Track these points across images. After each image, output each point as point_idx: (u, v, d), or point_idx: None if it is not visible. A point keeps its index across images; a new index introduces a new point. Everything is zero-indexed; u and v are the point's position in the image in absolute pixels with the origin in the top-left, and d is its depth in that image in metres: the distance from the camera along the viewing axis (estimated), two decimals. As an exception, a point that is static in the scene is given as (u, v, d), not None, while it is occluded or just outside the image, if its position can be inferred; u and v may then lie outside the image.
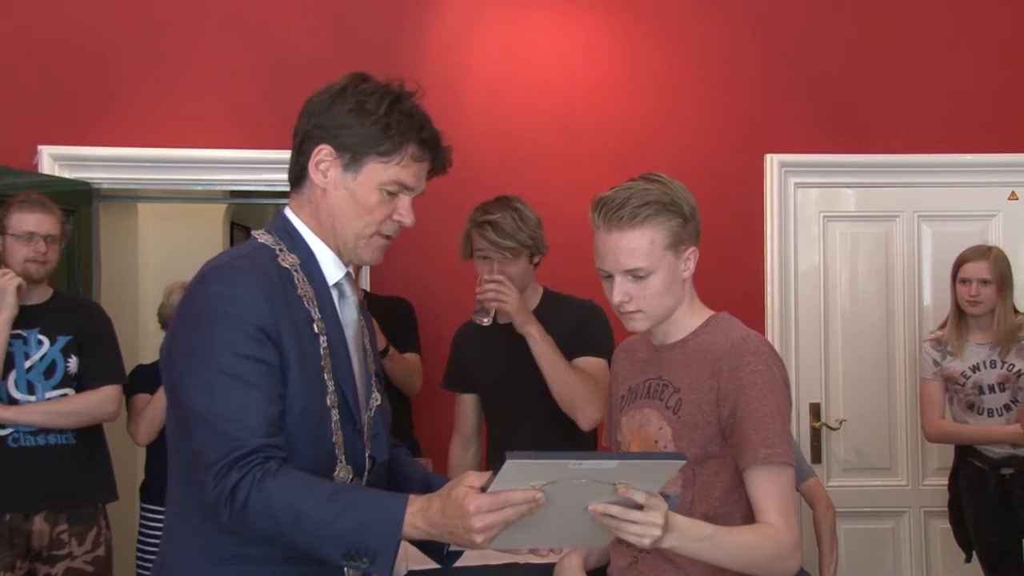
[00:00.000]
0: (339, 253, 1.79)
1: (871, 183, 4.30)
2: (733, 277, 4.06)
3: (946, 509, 3.93)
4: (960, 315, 3.73)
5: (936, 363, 3.77)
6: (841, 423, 4.28)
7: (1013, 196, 4.32)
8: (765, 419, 1.84)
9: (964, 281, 3.70)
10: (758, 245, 4.24)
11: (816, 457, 4.24)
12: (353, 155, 1.73)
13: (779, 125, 4.24)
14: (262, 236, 1.78)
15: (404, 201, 1.77)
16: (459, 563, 2.20)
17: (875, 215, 4.34)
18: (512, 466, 1.48)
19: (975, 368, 3.70)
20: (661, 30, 4.23)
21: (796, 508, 1.89)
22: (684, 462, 1.63)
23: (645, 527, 1.63)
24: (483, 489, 1.52)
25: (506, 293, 2.86)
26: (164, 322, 3.66)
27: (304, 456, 1.67)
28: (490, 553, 2.23)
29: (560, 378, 2.84)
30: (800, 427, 4.22)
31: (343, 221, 1.76)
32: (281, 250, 1.74)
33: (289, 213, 1.80)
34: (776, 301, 4.23)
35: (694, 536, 1.75)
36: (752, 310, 4.12)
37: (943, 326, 3.82)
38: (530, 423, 2.96)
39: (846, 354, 4.31)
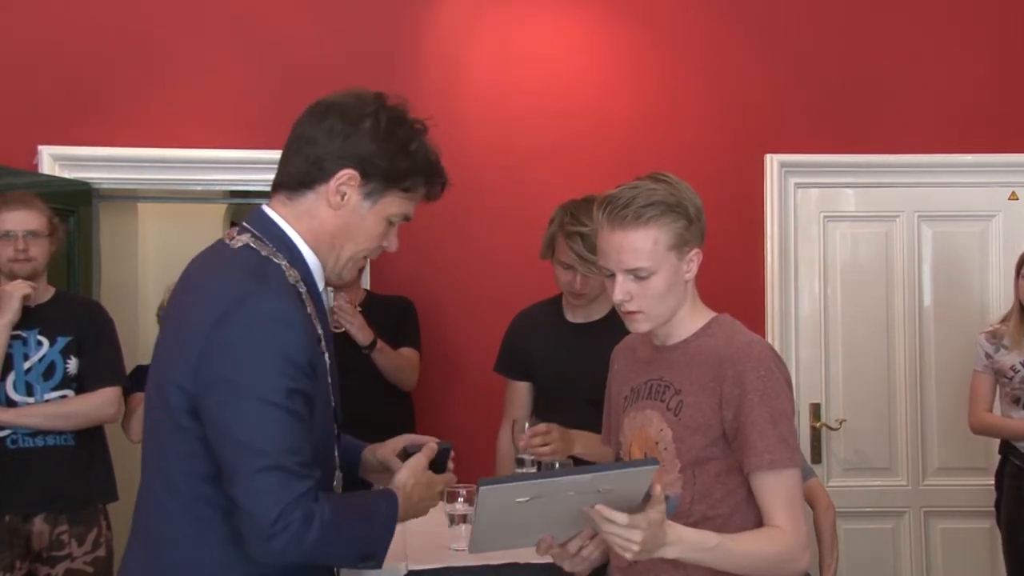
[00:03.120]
0: (324, 267, 1.77)
1: (871, 183, 4.30)
2: (733, 277, 4.06)
3: (945, 508, 3.92)
4: (1023, 310, 3.68)
5: (988, 356, 3.72)
6: (841, 423, 4.28)
7: (1013, 196, 4.31)
8: (768, 424, 1.83)
9: None
10: (758, 245, 4.24)
11: (816, 457, 4.24)
12: (377, 186, 1.72)
13: (779, 125, 4.24)
14: (263, 248, 1.71)
15: (394, 229, 1.79)
16: (459, 563, 2.21)
17: (875, 215, 4.33)
18: (487, 492, 1.53)
19: None
20: (660, 31, 4.23)
21: (803, 507, 1.90)
22: (657, 467, 1.65)
23: (623, 540, 1.64)
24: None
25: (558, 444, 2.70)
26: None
27: (320, 470, 1.68)
28: (490, 553, 2.24)
29: None
30: (800, 427, 4.22)
31: (345, 243, 1.75)
32: (285, 265, 1.70)
33: (280, 220, 1.74)
34: (776, 301, 4.22)
35: (698, 547, 1.75)
36: (752, 310, 4.12)
37: (1005, 320, 3.76)
38: (580, 423, 2.94)
39: (846, 354, 4.31)
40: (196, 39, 4.07)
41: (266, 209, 1.77)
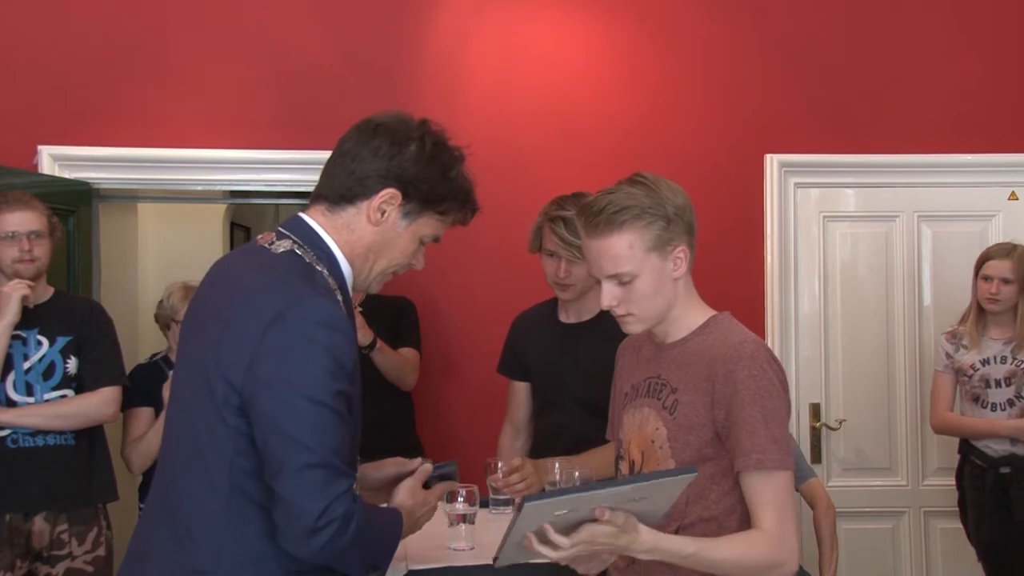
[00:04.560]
0: (355, 278, 1.85)
1: (871, 183, 4.30)
2: (733, 277, 4.06)
3: (945, 508, 3.94)
4: (980, 310, 3.74)
5: (948, 356, 3.79)
6: (841, 423, 4.28)
7: (1013, 196, 4.32)
8: (758, 424, 1.82)
9: (986, 278, 3.70)
10: (758, 245, 4.24)
11: (816, 457, 4.24)
12: (415, 206, 1.81)
13: (779, 125, 4.24)
14: (306, 255, 1.77)
15: (423, 249, 1.90)
16: (459, 563, 2.22)
17: (875, 215, 4.33)
18: (530, 508, 1.60)
19: (985, 362, 3.71)
20: (661, 30, 4.23)
21: (793, 510, 1.86)
22: (695, 475, 1.71)
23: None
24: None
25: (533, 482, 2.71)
26: (163, 323, 3.63)
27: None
28: (490, 552, 2.24)
29: None
30: (800, 427, 4.22)
31: (379, 258, 1.84)
32: (326, 273, 1.77)
33: (320, 230, 1.81)
34: (776, 301, 4.23)
35: (674, 555, 1.77)
36: (752, 310, 4.12)
37: (963, 320, 3.81)
38: (572, 421, 2.95)
39: (846, 354, 4.31)
40: (196, 39, 4.07)
41: (305, 217, 1.83)
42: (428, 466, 1.98)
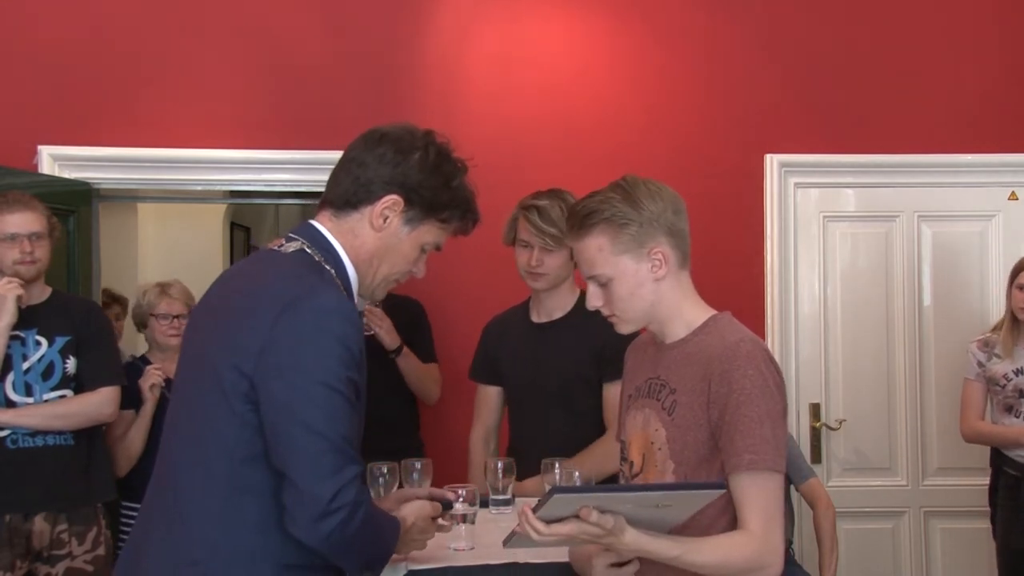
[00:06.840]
0: (360, 283, 1.89)
1: (871, 183, 4.30)
2: (733, 277, 4.06)
3: (945, 508, 3.92)
4: (1014, 320, 3.70)
5: (980, 364, 3.74)
6: (841, 423, 4.28)
7: (1013, 196, 4.31)
8: (753, 424, 1.80)
9: (1021, 287, 3.66)
10: (758, 245, 4.24)
11: (816, 457, 4.24)
12: (417, 213, 1.86)
13: (779, 125, 4.24)
14: (315, 255, 1.82)
15: (424, 257, 1.93)
16: (459, 563, 2.22)
17: (875, 215, 4.33)
18: (559, 499, 1.63)
19: (1018, 372, 3.66)
20: (661, 30, 4.23)
21: (781, 513, 1.84)
22: (723, 491, 1.74)
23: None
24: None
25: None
26: (141, 323, 3.64)
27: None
28: (490, 552, 2.24)
29: None
30: (800, 427, 4.22)
31: (381, 264, 1.88)
32: (333, 274, 1.81)
33: (328, 234, 1.86)
34: (776, 301, 4.23)
35: (662, 556, 1.76)
36: (752, 310, 4.12)
37: (995, 328, 3.78)
38: (548, 421, 2.97)
39: (846, 354, 4.31)
40: (196, 39, 4.07)
41: (314, 223, 1.88)
42: (442, 504, 2.04)
